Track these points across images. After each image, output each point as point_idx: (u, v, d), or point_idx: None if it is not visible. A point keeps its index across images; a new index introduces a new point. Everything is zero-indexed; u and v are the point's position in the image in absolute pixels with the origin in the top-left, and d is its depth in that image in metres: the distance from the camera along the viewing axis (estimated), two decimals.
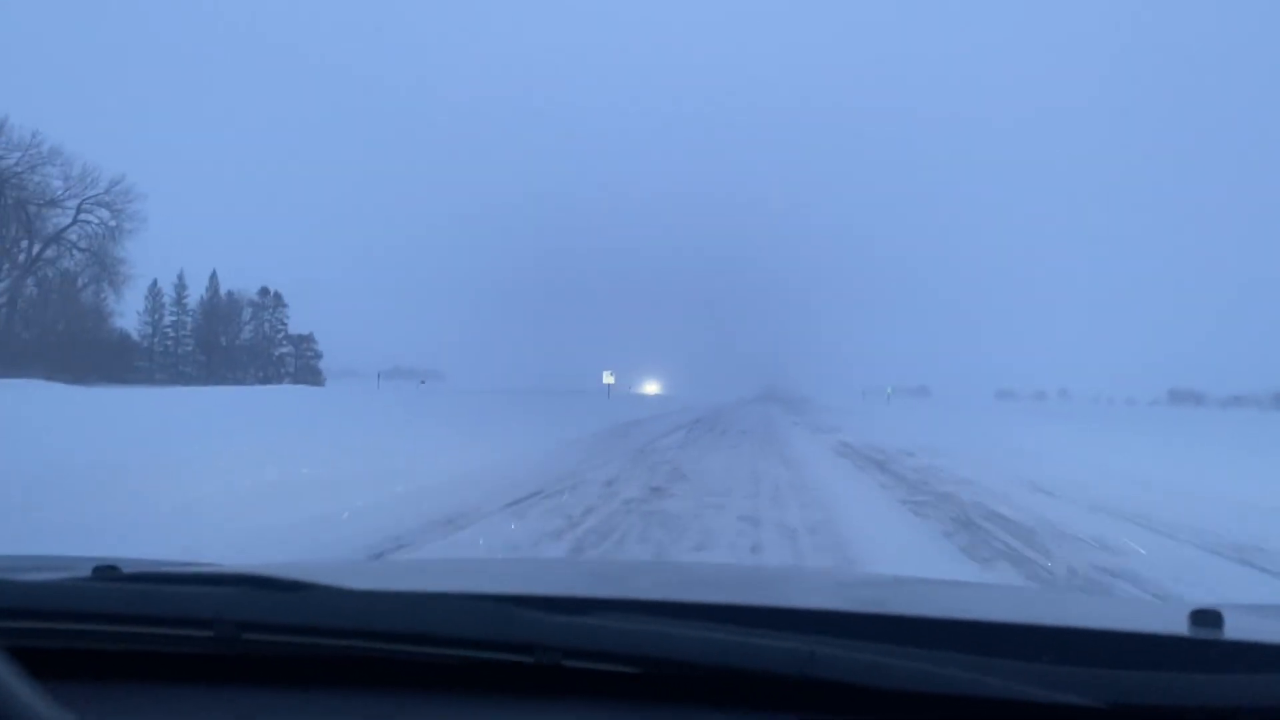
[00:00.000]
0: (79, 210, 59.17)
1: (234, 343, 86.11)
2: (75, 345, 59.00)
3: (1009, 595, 2.67)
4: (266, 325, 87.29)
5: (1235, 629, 1.21)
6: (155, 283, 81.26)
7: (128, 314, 75.88)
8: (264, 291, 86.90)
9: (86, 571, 1.29)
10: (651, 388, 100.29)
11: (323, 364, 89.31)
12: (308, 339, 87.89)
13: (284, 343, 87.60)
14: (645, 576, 2.15)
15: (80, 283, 63.53)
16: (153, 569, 1.51)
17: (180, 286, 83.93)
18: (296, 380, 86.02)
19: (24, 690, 0.69)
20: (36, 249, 59.78)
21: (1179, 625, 1.23)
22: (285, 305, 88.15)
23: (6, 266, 58.09)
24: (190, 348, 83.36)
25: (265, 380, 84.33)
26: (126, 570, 1.31)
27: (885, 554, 7.44)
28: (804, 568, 6.42)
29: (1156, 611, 2.06)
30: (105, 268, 62.44)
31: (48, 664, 0.98)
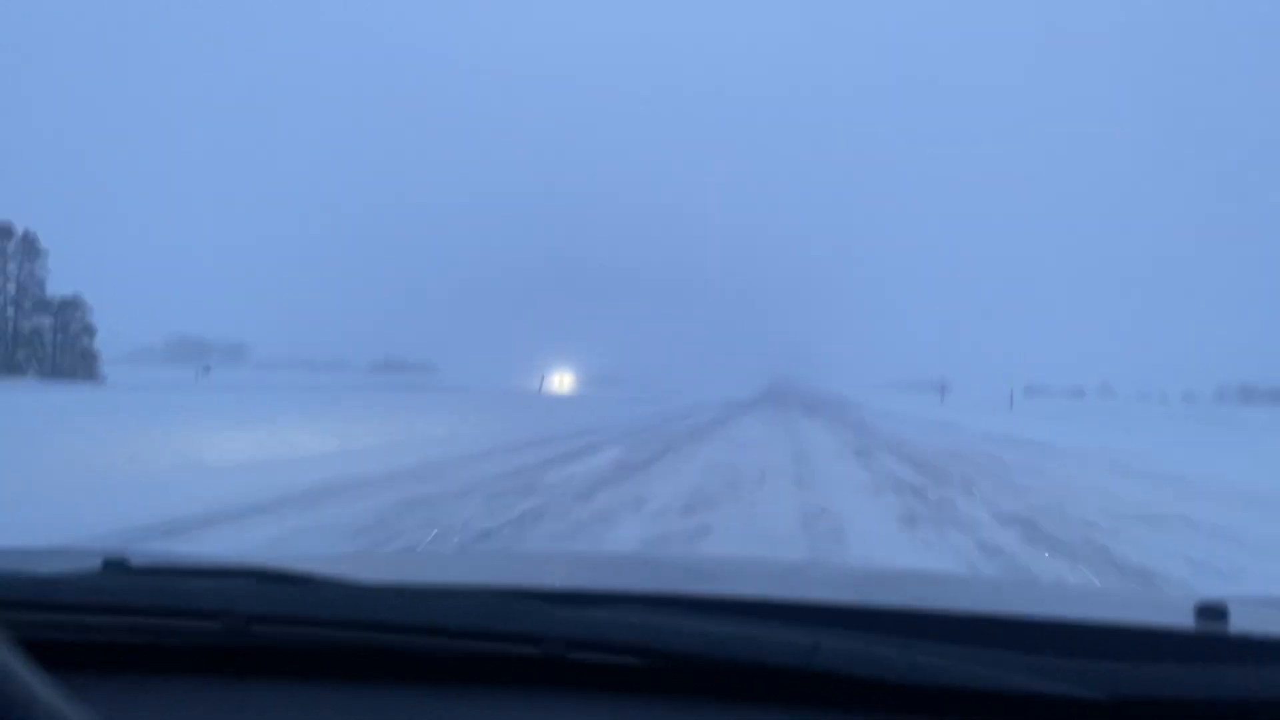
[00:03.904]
0: None
1: None
2: None
3: (1013, 588, 2.76)
4: (11, 285, 58.47)
5: (1241, 622, 1.19)
6: None
7: None
8: (3, 232, 58.10)
9: (96, 564, 1.25)
10: (563, 381, 71.32)
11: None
12: (72, 304, 59.07)
13: (36, 310, 58.73)
14: (650, 569, 2.11)
15: None
16: (162, 562, 1.45)
17: None
18: (57, 370, 57.49)
19: (36, 682, 0.68)
20: None
21: (1184, 618, 1.20)
22: (43, 252, 59.36)
23: None
24: None
25: (4, 370, 55.99)
26: (136, 563, 1.28)
27: None
28: (810, 560, 6.05)
29: (1162, 604, 1.87)
30: None
31: (59, 656, 0.96)
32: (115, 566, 1.25)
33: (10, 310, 58.33)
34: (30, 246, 58.72)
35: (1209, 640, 1.15)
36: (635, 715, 1.02)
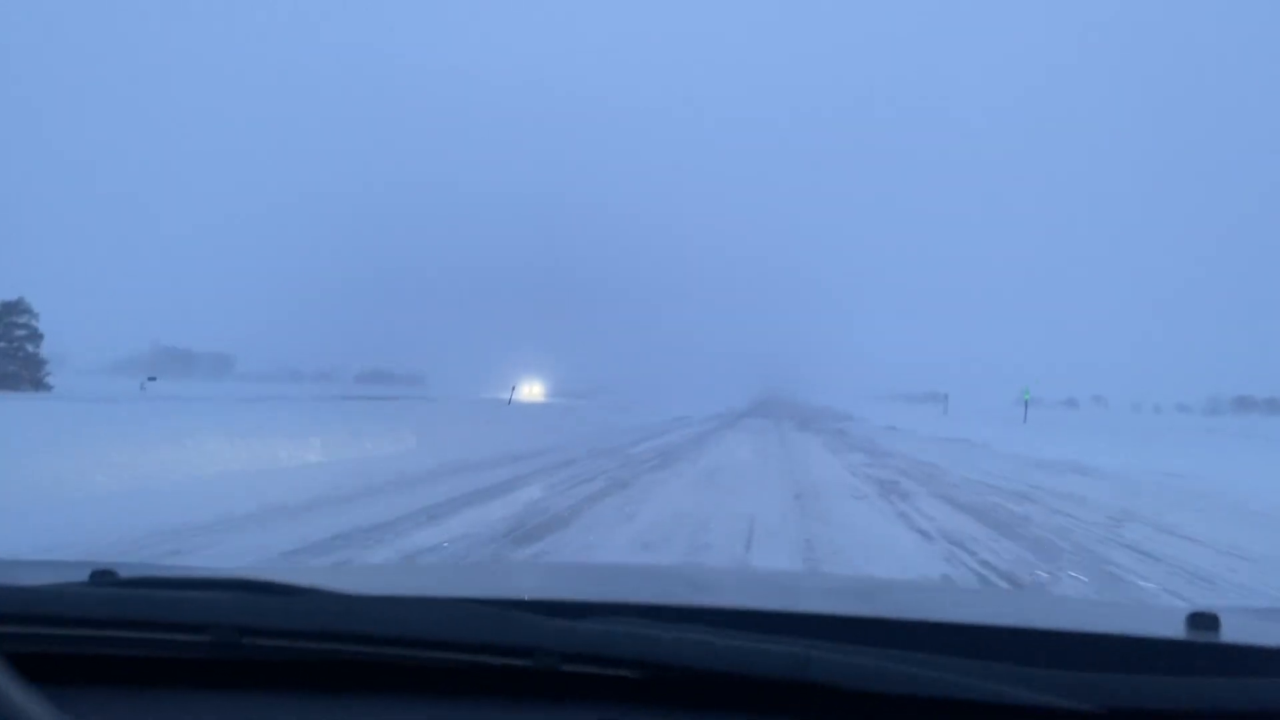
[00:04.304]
0: None
1: None
2: None
3: (1004, 599, 2.70)
4: None
5: (1232, 632, 1.20)
6: None
7: None
8: None
9: (84, 576, 1.26)
10: (533, 391, 67.31)
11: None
12: (14, 307, 54.83)
13: None
14: (643, 580, 2.05)
15: None
16: (150, 574, 1.45)
17: None
18: (4, 383, 53.30)
19: (23, 696, 0.68)
20: None
21: (1176, 629, 1.21)
22: None
23: None
24: None
25: None
26: (124, 575, 1.28)
27: None
28: (801, 572, 6.08)
29: (1153, 615, 1.84)
30: None
31: (47, 669, 0.98)
32: (102, 578, 1.25)
33: None
34: None
35: (1201, 650, 1.15)
36: None
